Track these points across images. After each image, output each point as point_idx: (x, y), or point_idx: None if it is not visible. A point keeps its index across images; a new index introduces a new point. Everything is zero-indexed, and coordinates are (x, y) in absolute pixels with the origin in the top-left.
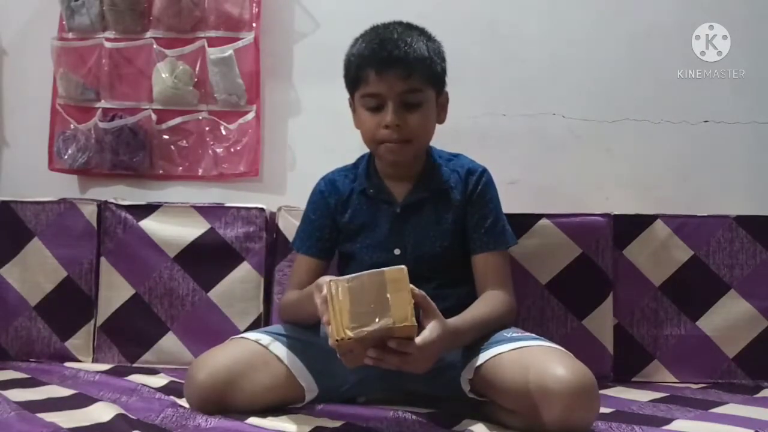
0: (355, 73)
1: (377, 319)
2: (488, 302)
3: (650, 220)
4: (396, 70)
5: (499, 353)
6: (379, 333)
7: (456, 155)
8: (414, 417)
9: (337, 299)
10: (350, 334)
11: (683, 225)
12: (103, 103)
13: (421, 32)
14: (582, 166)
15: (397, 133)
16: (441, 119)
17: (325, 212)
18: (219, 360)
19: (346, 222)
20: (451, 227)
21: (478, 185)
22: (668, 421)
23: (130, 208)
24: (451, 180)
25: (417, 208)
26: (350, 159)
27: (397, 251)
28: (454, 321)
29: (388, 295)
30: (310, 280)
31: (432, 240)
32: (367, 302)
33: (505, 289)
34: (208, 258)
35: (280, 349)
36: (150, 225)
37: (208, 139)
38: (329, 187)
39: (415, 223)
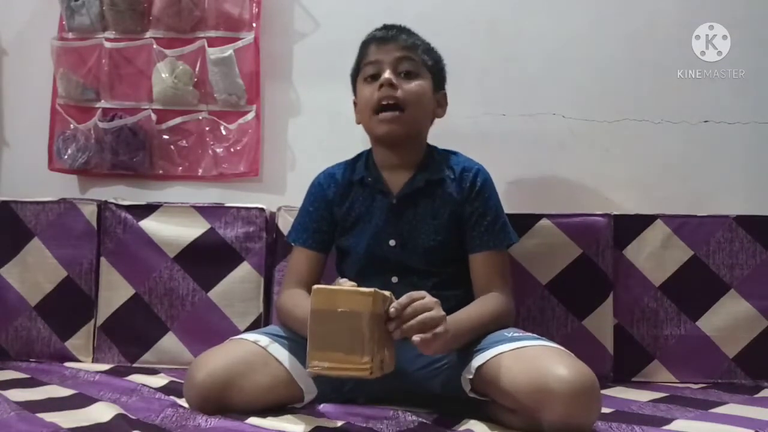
0: (359, 55)
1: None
2: (486, 303)
3: (650, 220)
4: (394, 42)
5: (500, 353)
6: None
7: (454, 152)
8: (414, 417)
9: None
10: (366, 360)
11: (683, 225)
12: (103, 103)
13: (423, 39)
14: (582, 166)
15: (391, 90)
16: (439, 114)
17: (323, 204)
18: (218, 360)
19: (344, 214)
20: (446, 222)
21: (476, 184)
22: (668, 421)
23: (130, 208)
24: (448, 174)
25: (413, 200)
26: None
27: (392, 242)
28: (450, 316)
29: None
30: (308, 273)
31: (427, 233)
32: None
33: (504, 289)
34: (208, 258)
35: (279, 351)
36: (150, 225)
37: (208, 139)
38: (328, 179)
39: (411, 215)
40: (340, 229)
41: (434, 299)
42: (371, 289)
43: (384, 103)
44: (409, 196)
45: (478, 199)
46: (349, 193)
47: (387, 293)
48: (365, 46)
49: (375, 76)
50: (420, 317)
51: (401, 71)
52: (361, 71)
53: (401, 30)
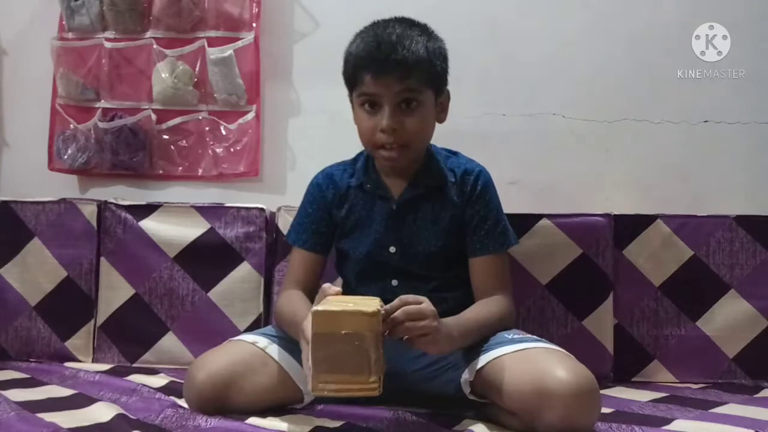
0: (352, 74)
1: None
2: (488, 306)
3: (650, 220)
4: (393, 73)
5: (500, 355)
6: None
7: (454, 153)
8: (414, 417)
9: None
10: (374, 379)
11: (683, 225)
12: (103, 103)
13: (422, 31)
14: (582, 166)
15: (393, 137)
16: (441, 119)
17: (322, 205)
18: (218, 361)
19: (343, 218)
20: (447, 227)
21: (477, 186)
22: (668, 421)
23: (130, 208)
24: (449, 178)
25: (414, 205)
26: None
27: (392, 249)
28: (452, 318)
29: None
30: (307, 275)
31: (428, 239)
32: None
33: (505, 292)
34: (208, 258)
35: (277, 352)
36: (150, 225)
37: (208, 139)
38: (327, 180)
39: (412, 221)
40: (339, 231)
41: (431, 309)
42: (374, 308)
43: (386, 147)
44: (409, 201)
45: (479, 203)
46: (348, 197)
47: (378, 301)
48: (359, 67)
49: (373, 104)
50: (409, 324)
51: (402, 102)
52: (357, 97)
53: (397, 46)
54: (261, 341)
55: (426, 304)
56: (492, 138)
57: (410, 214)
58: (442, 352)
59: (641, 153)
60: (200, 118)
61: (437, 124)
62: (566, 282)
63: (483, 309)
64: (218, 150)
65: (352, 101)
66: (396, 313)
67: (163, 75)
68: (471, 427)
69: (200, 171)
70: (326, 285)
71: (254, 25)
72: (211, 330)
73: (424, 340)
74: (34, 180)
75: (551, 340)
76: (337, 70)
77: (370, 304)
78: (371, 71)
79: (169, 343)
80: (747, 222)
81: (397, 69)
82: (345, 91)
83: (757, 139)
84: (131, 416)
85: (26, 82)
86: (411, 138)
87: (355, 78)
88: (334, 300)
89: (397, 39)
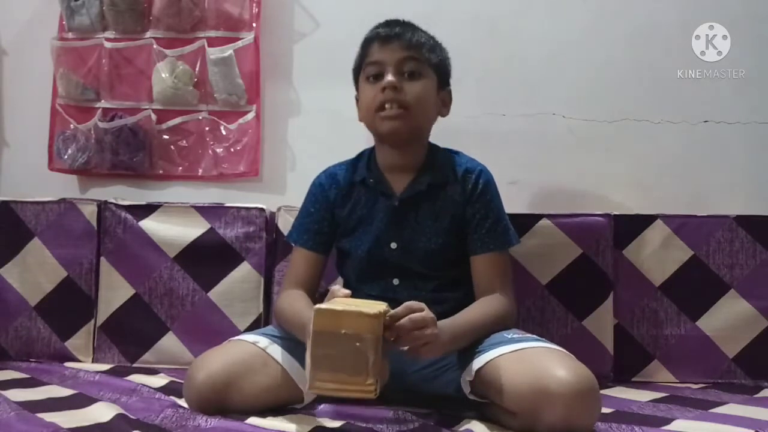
0: (361, 52)
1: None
2: (487, 305)
3: (650, 220)
4: (398, 41)
5: (500, 355)
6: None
7: (455, 152)
8: (414, 417)
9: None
10: (371, 382)
11: (683, 225)
12: (103, 103)
13: (428, 34)
14: (582, 166)
15: (394, 94)
16: (443, 113)
17: (324, 205)
18: (218, 361)
19: (345, 216)
20: (447, 225)
21: (478, 185)
22: (668, 421)
23: (130, 208)
24: (450, 176)
25: (415, 202)
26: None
27: (393, 245)
28: (447, 321)
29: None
30: (308, 274)
31: (428, 236)
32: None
33: (505, 291)
34: (208, 258)
35: (278, 352)
36: (150, 225)
37: (208, 139)
38: (329, 180)
39: (413, 217)
40: (341, 230)
41: (431, 315)
42: (376, 311)
43: (387, 106)
44: (411, 198)
45: (480, 201)
46: (351, 195)
47: (384, 306)
48: (368, 43)
49: (377, 76)
50: (417, 333)
51: (405, 71)
52: (364, 70)
53: (405, 27)
54: (262, 341)
55: (426, 311)
56: (492, 138)
57: (411, 210)
58: (435, 356)
59: (641, 153)
60: (200, 118)
61: (439, 120)
62: (566, 282)
63: (480, 308)
64: (218, 150)
65: (358, 96)
66: (403, 321)
67: (163, 75)
68: (471, 427)
69: (200, 171)
70: (336, 287)
71: (254, 25)
72: (211, 330)
73: (425, 348)
74: (34, 180)
75: (551, 340)
76: (337, 70)
77: (375, 307)
78: (378, 40)
79: (169, 343)
80: (747, 222)
81: (402, 39)
82: (345, 91)
83: (757, 139)
84: (131, 416)
85: (26, 82)
86: (412, 101)
87: (364, 53)
88: (341, 301)
89: (405, 22)
